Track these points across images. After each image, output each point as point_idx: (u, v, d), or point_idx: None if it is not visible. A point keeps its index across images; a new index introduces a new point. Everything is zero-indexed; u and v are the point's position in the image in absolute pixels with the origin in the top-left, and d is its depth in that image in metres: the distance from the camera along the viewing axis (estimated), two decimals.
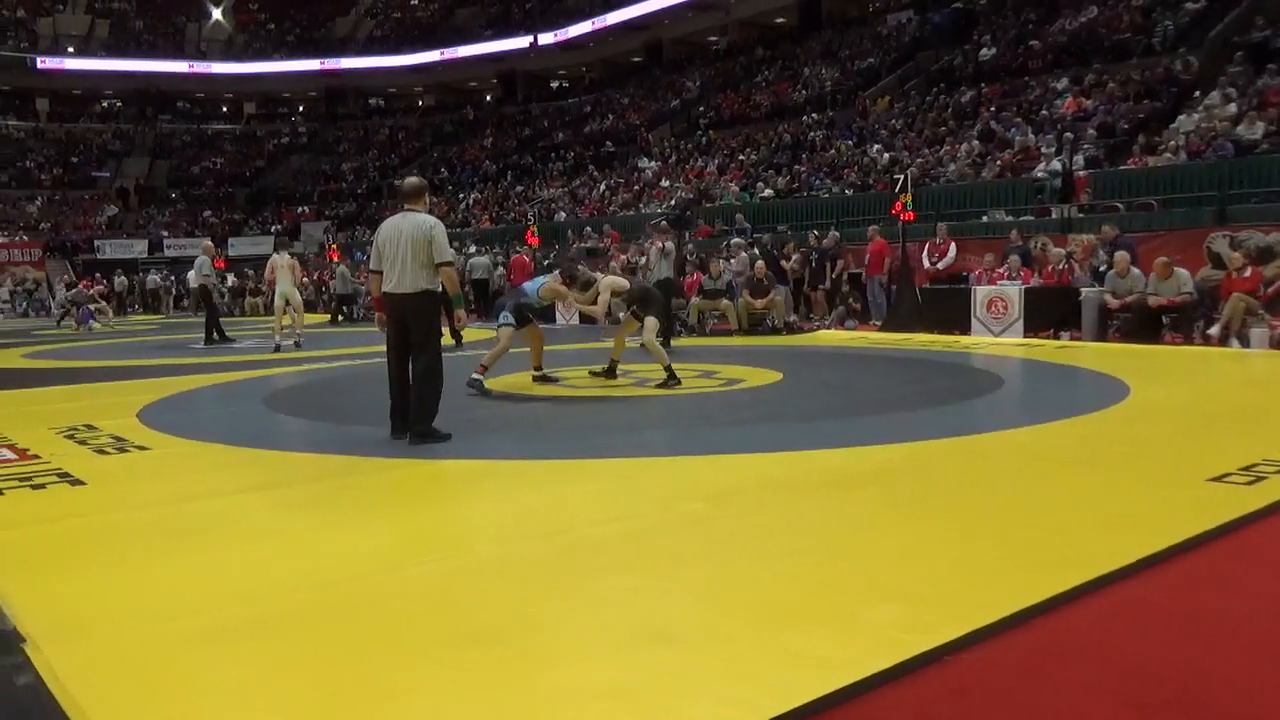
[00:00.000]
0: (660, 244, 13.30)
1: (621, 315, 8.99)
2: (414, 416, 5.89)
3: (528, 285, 8.80)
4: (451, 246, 6.26)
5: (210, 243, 18.13)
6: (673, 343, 11.65)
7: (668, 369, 8.30)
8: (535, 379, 8.70)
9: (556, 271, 9.04)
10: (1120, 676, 2.52)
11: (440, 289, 6.01)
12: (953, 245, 15.05)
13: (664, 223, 11.29)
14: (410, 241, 5.82)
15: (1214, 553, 3.53)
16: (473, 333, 13.36)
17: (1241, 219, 13.27)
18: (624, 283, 8.78)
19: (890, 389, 8.36)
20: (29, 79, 44.63)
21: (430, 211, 6.13)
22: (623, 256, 18.48)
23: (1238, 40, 19.25)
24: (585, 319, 14.42)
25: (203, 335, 15.45)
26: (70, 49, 45.61)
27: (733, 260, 16.18)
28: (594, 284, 8.53)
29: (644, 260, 15.04)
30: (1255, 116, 16.09)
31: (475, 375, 8.03)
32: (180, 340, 16.79)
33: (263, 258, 33.57)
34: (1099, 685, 2.46)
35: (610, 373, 8.82)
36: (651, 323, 8.52)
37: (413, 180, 6.22)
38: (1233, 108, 16.78)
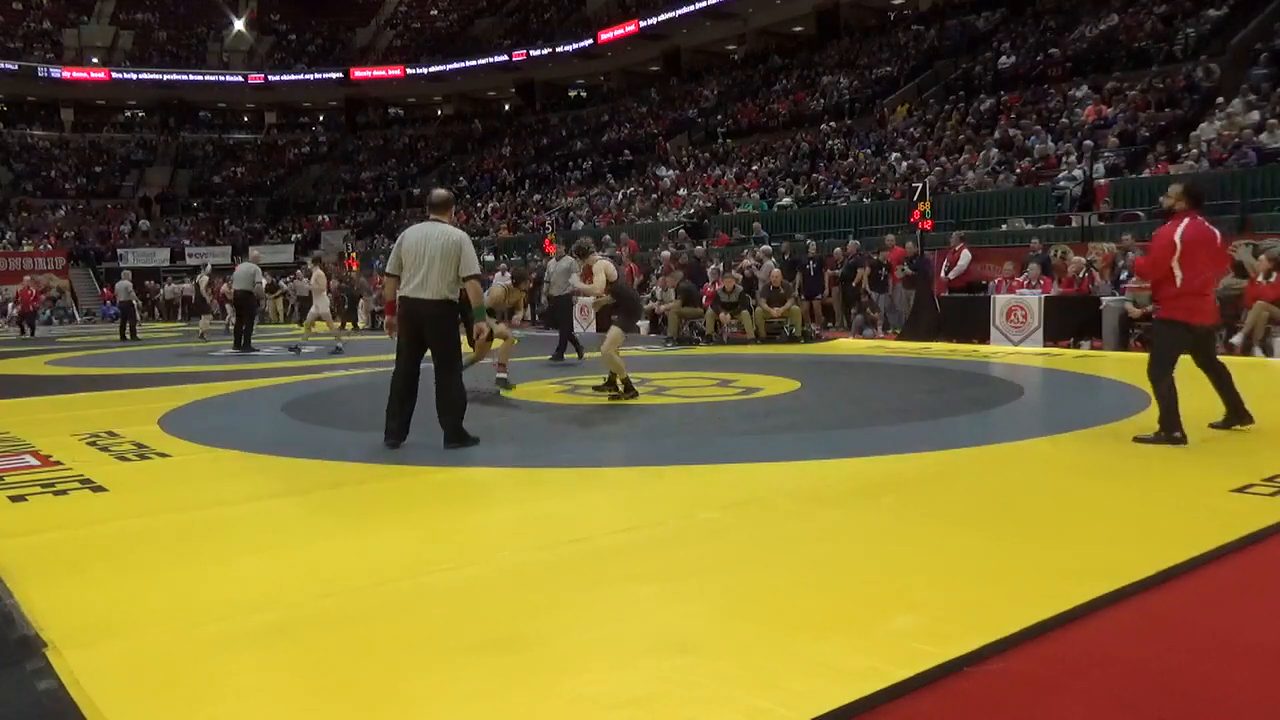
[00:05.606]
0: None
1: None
2: (444, 413, 6.03)
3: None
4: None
5: (257, 251, 18.82)
6: (691, 351, 11.58)
7: (625, 381, 8.30)
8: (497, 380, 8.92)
9: (507, 274, 9.15)
10: (1142, 690, 2.50)
11: (459, 301, 6.09)
12: (965, 253, 14.93)
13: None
14: (440, 250, 5.91)
15: (1238, 564, 3.49)
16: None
17: (1265, 227, 13.16)
18: (613, 269, 8.85)
19: (908, 398, 8.33)
20: (53, 89, 45.20)
21: (451, 223, 6.23)
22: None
23: (1260, 47, 19.12)
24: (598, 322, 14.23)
25: (232, 340, 16.05)
26: (95, 60, 46.16)
27: (759, 266, 16.14)
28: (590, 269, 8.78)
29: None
30: (1278, 124, 15.95)
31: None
32: (204, 348, 16.91)
33: (282, 266, 33.88)
34: (1120, 699, 2.44)
35: (629, 388, 8.77)
36: (616, 333, 8.53)
37: (441, 192, 6.37)
38: (1255, 115, 16.65)
